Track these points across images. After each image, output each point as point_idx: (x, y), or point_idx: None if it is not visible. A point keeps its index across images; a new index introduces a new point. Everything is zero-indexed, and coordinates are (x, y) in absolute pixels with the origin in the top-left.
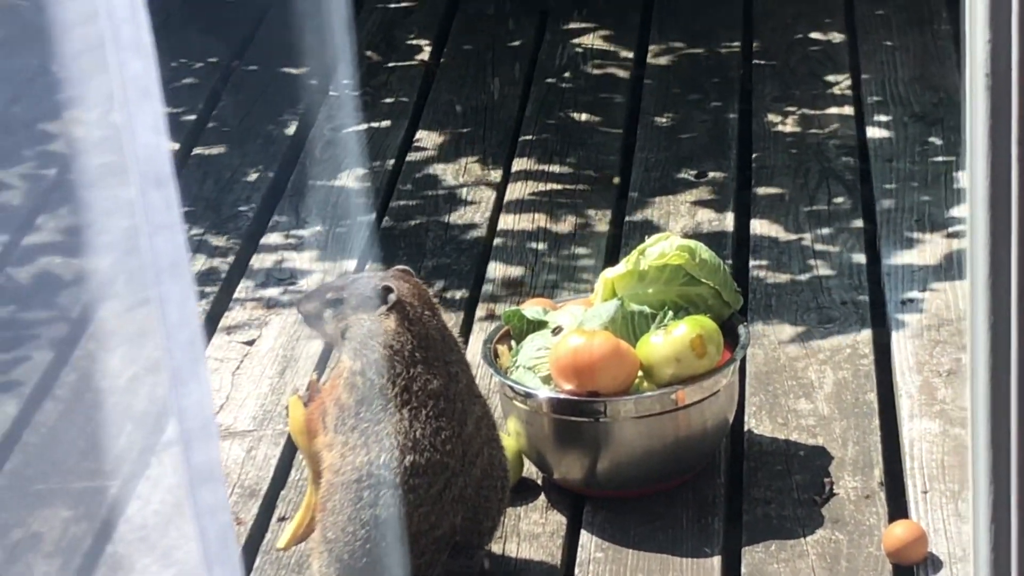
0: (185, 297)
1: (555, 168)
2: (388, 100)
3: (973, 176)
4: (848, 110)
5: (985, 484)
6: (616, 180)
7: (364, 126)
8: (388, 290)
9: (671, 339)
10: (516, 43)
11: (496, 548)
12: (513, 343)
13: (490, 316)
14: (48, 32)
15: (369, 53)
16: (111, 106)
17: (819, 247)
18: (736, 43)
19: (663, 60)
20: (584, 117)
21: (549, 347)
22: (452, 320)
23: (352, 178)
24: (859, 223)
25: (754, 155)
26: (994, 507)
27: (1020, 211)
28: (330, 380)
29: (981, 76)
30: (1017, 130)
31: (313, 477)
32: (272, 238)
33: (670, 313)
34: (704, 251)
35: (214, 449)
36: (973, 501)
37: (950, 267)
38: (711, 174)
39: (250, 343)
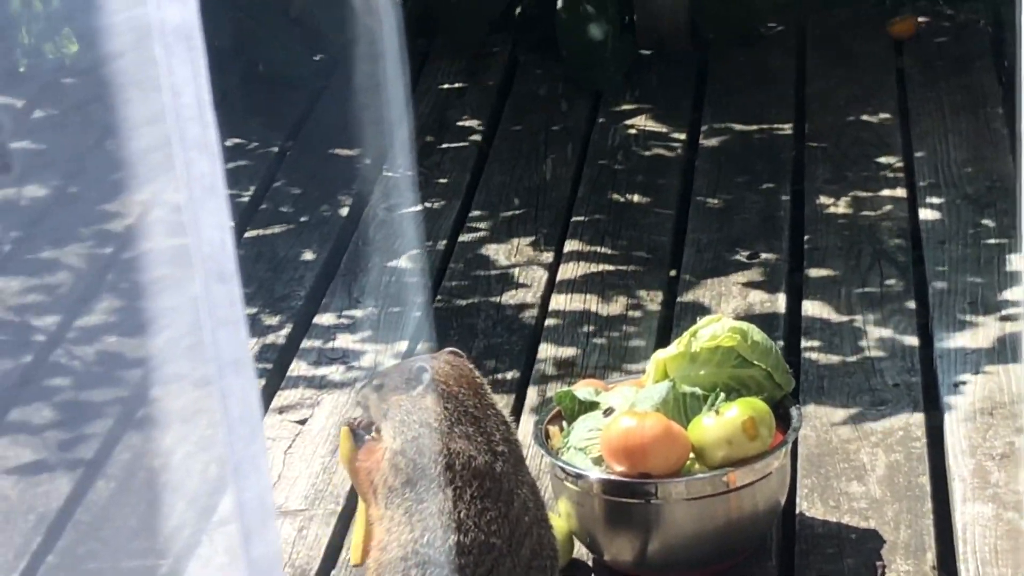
0: (247, 391)
1: (607, 249)
2: (441, 180)
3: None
4: (900, 192)
5: None
6: (672, 273)
7: (418, 207)
8: (423, 371)
9: (723, 421)
10: (568, 124)
11: None
12: (564, 424)
13: (542, 397)
14: (116, 130)
15: (423, 134)
16: (177, 202)
17: (871, 329)
18: (788, 124)
19: (715, 141)
20: (636, 198)
21: (600, 428)
22: (503, 401)
23: (405, 259)
24: (911, 305)
25: (806, 237)
26: None
27: None
28: (366, 448)
29: None
30: None
31: (363, 498)
32: (325, 318)
33: (722, 395)
34: (756, 333)
35: (274, 541)
36: None
37: (1003, 350)
38: (763, 255)
39: (302, 422)
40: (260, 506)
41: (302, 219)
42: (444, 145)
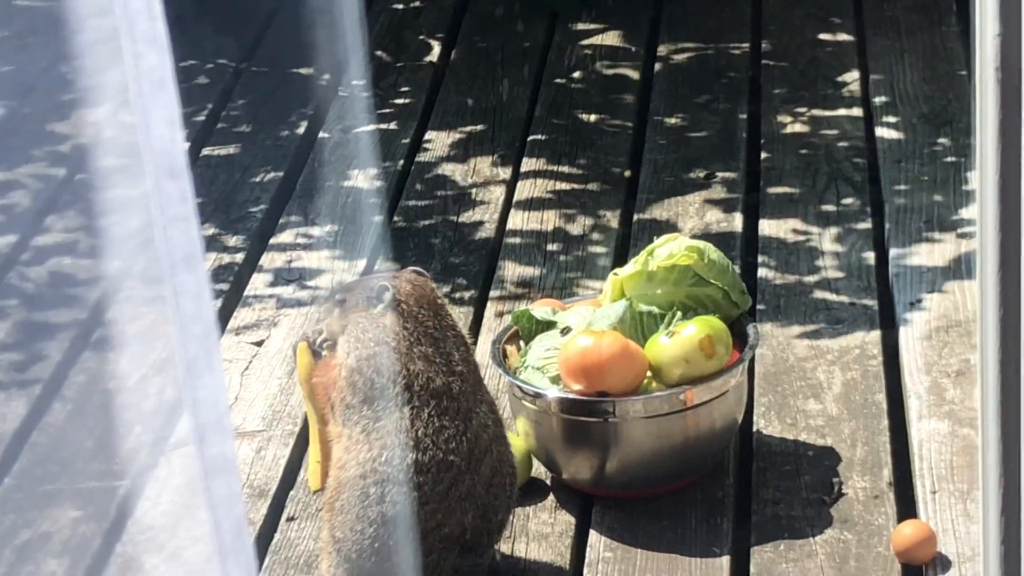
0: (200, 289)
1: (564, 168)
2: (397, 100)
3: (983, 172)
4: (857, 111)
5: (995, 483)
6: (627, 173)
7: (374, 126)
8: (385, 289)
9: (680, 339)
10: (525, 44)
11: (505, 548)
12: (522, 343)
13: (499, 316)
14: (63, 25)
15: (378, 53)
16: (125, 98)
17: (828, 248)
18: (745, 44)
19: (672, 61)
20: (593, 117)
21: (558, 347)
22: (461, 320)
23: (362, 178)
24: (868, 224)
25: (763, 156)
26: (1004, 506)
27: None
28: (322, 363)
29: (991, 71)
30: None
31: (317, 419)
32: (282, 238)
33: (679, 314)
34: (713, 252)
35: (228, 442)
36: (983, 500)
37: (959, 268)
38: (720, 175)
39: (259, 343)
40: (214, 404)
41: (258, 139)
42: (400, 65)
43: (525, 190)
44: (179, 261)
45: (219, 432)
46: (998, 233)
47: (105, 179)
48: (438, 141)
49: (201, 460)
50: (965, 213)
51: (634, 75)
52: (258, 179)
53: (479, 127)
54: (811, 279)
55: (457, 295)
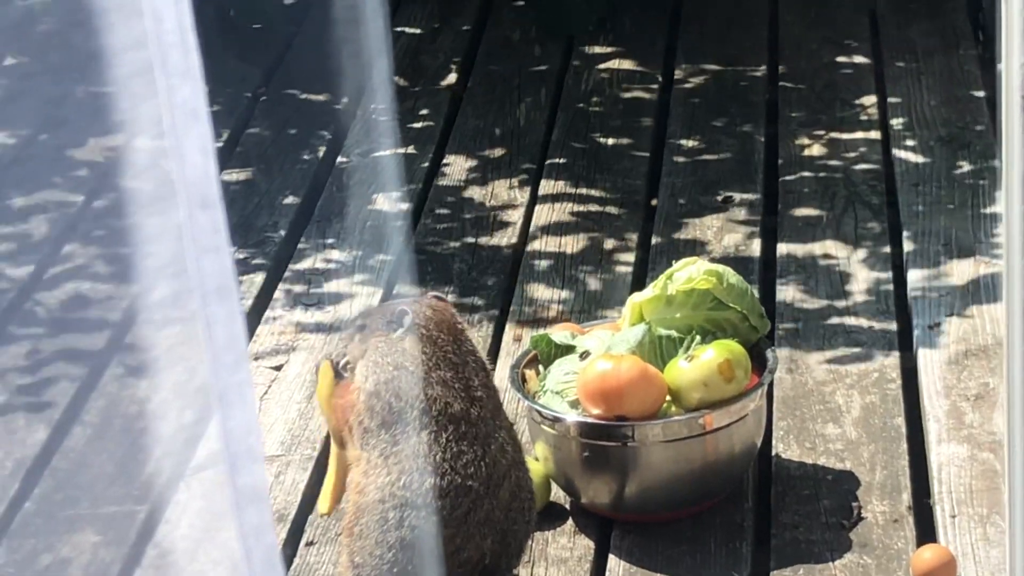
0: (232, 319)
1: (582, 192)
2: (415, 124)
3: (1009, 198)
4: (875, 134)
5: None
6: (654, 202)
7: (393, 151)
8: (404, 313)
9: (699, 364)
10: (543, 68)
11: (524, 572)
12: (541, 367)
13: (518, 340)
14: (97, 58)
15: (396, 78)
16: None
17: (846, 271)
18: (762, 67)
19: (689, 84)
20: (611, 141)
21: (577, 371)
22: (480, 344)
23: (381, 203)
24: (886, 247)
25: (781, 179)
26: None
27: None
28: (342, 385)
29: (1016, 98)
30: None
31: (336, 442)
32: (301, 263)
33: (698, 338)
34: (732, 276)
35: (259, 470)
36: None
37: (977, 291)
38: (738, 198)
39: (278, 368)
40: (246, 435)
41: (277, 164)
42: (417, 89)
43: (543, 214)
44: (211, 291)
45: (250, 461)
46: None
47: (128, 206)
48: (456, 165)
49: (233, 489)
50: (983, 236)
51: (651, 98)
52: (277, 204)
53: (497, 151)
54: (830, 302)
55: (476, 319)
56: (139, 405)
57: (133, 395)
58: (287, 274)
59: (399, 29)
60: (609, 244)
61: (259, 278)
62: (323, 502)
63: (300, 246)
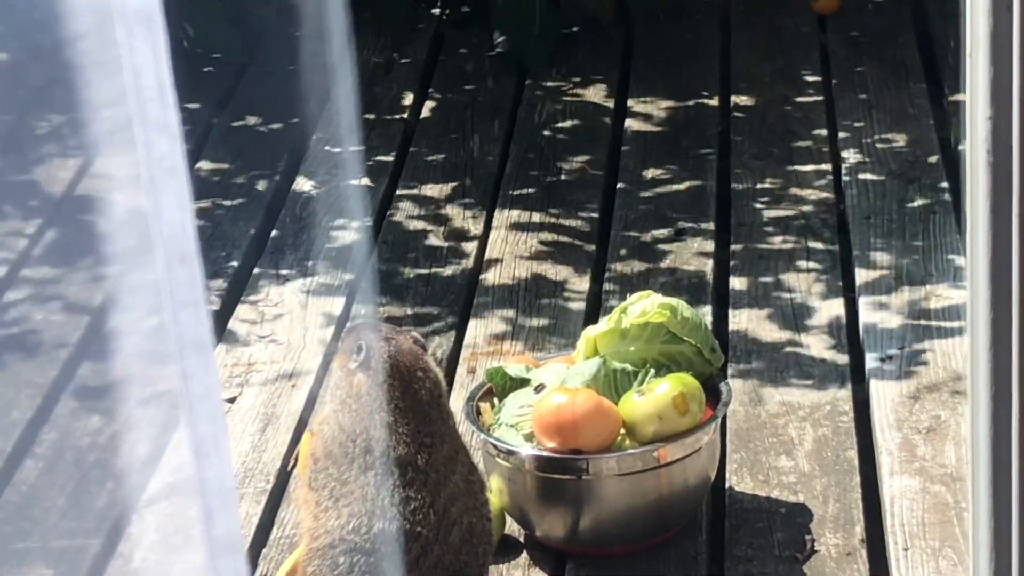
0: (207, 372)
1: (536, 224)
2: (369, 155)
3: (973, 253)
4: (825, 167)
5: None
6: (601, 249)
7: (346, 182)
8: (360, 348)
9: (653, 397)
10: (495, 100)
11: None
12: (496, 400)
13: (472, 372)
14: (77, 113)
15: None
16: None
17: (798, 304)
18: (714, 100)
19: (641, 117)
20: (564, 173)
21: (531, 404)
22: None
23: (335, 234)
24: (838, 280)
25: (734, 211)
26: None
27: (1021, 286)
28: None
29: (982, 153)
30: (1018, 206)
31: (302, 518)
32: (253, 296)
33: (652, 371)
34: (686, 309)
35: (235, 521)
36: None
37: (929, 325)
38: (690, 230)
39: (231, 400)
40: (221, 485)
41: (230, 196)
42: (371, 119)
43: (497, 246)
44: (188, 345)
45: (226, 512)
46: (990, 313)
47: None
48: (410, 196)
49: (208, 540)
50: (934, 269)
51: (604, 130)
52: (231, 235)
53: (451, 183)
54: (782, 335)
55: (430, 351)
56: (91, 437)
57: (85, 427)
58: (240, 306)
59: (352, 60)
60: (563, 276)
61: (213, 309)
62: (283, 569)
63: (254, 278)
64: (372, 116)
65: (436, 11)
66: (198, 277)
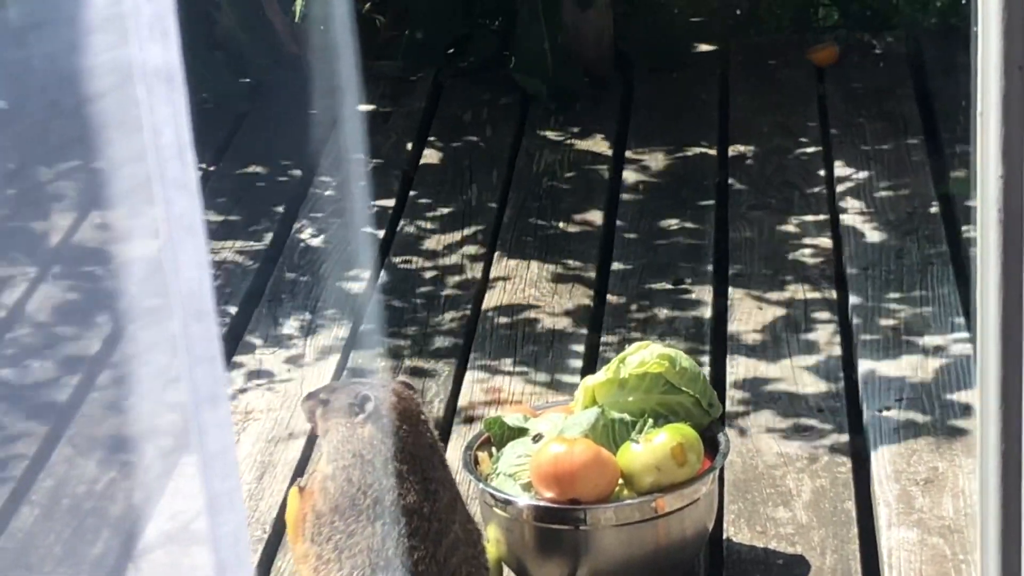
0: (223, 428)
1: (534, 273)
2: (368, 204)
3: (984, 312)
4: (823, 218)
5: None
6: (599, 299)
7: (345, 230)
8: (367, 399)
9: (651, 447)
10: (493, 150)
11: None
12: (494, 450)
13: (469, 422)
14: (97, 171)
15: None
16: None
17: (796, 355)
18: (712, 150)
19: (639, 167)
20: (562, 222)
21: (530, 454)
22: (432, 426)
23: (332, 281)
24: (835, 331)
25: (731, 262)
26: None
27: None
28: (308, 482)
29: (994, 212)
30: None
31: (300, 571)
32: (249, 345)
33: (650, 421)
34: (684, 359)
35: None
36: None
37: (926, 375)
38: (688, 281)
39: None
40: (235, 541)
41: (227, 244)
42: (370, 167)
43: (495, 295)
44: (204, 400)
45: (239, 569)
46: (1000, 372)
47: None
48: (408, 245)
49: None
50: (932, 321)
51: (603, 180)
52: (227, 281)
53: (449, 232)
54: (780, 386)
55: (428, 399)
56: (87, 485)
57: (81, 474)
58: (238, 352)
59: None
60: (562, 326)
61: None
62: None
63: (252, 326)
64: (372, 164)
65: (433, 60)
66: (214, 333)
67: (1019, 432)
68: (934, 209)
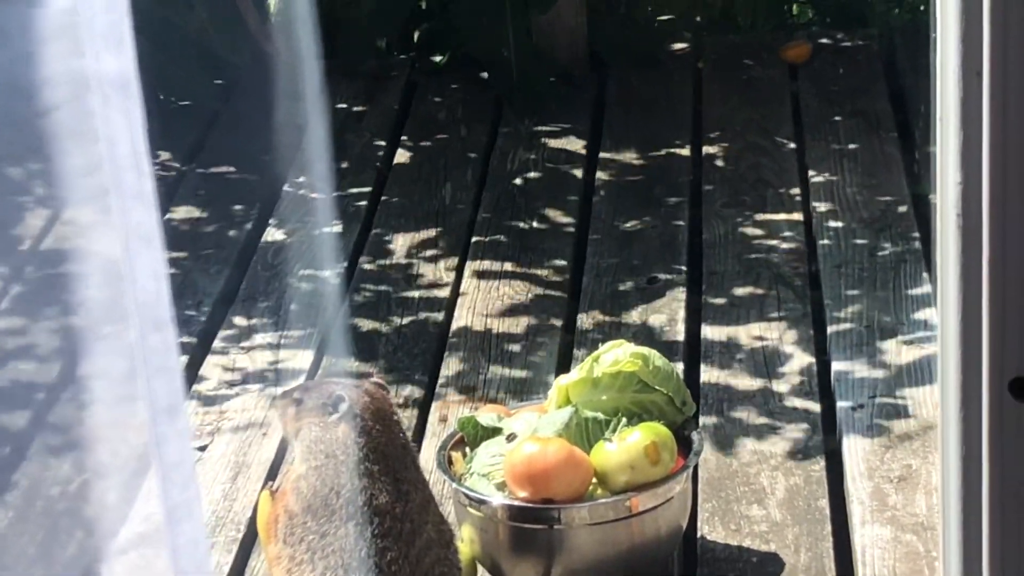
0: (180, 438)
1: (508, 272)
2: (341, 203)
3: (944, 310)
4: (797, 216)
5: None
6: (573, 298)
7: (318, 230)
8: (340, 399)
9: (625, 446)
10: (468, 148)
11: None
12: (467, 450)
13: (444, 421)
14: (53, 180)
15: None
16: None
17: (769, 353)
18: (686, 149)
19: (614, 166)
20: (536, 221)
21: (503, 454)
22: (405, 425)
23: (306, 281)
24: (809, 329)
25: (705, 260)
26: None
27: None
28: (281, 482)
29: (952, 215)
30: (988, 268)
31: (273, 573)
32: (225, 344)
33: (624, 420)
34: (657, 358)
35: None
36: None
37: (899, 373)
38: (662, 279)
39: (202, 449)
40: (194, 552)
41: (202, 243)
42: (344, 167)
43: (469, 294)
44: (162, 411)
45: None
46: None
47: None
48: (381, 244)
49: None
50: (905, 318)
51: (576, 179)
52: (202, 283)
53: (423, 230)
54: (754, 384)
55: (401, 399)
56: (61, 486)
57: (55, 476)
58: (212, 353)
59: (325, 107)
60: (535, 325)
61: (183, 358)
62: None
63: (225, 326)
64: (345, 164)
65: (408, 58)
66: (172, 344)
67: (979, 433)
68: (906, 207)
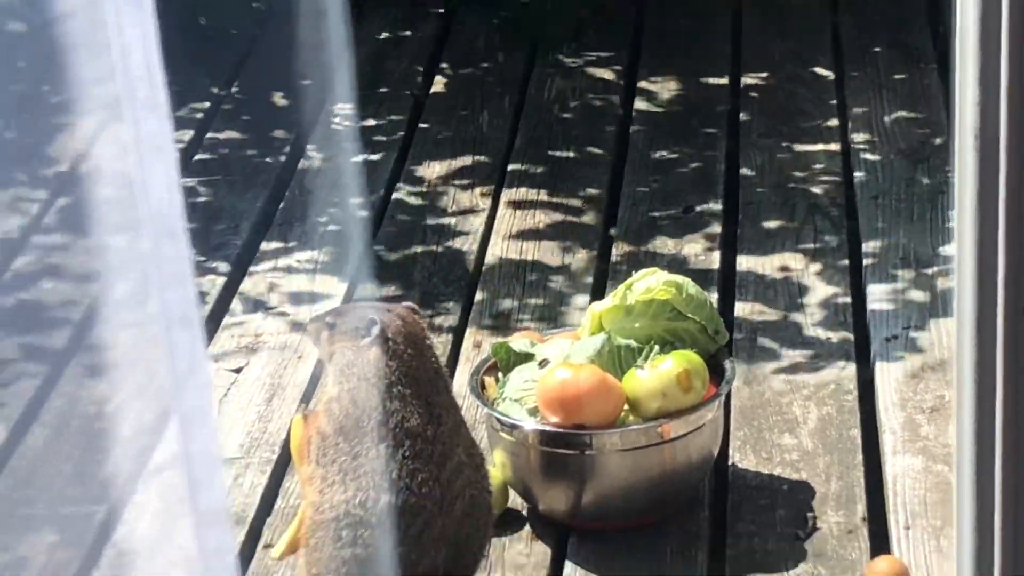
0: (195, 347)
1: (544, 200)
2: (378, 131)
3: (961, 237)
4: (834, 147)
5: (970, 523)
6: (613, 232)
7: (355, 157)
8: (373, 323)
9: (657, 373)
10: (505, 76)
11: None
12: (500, 375)
13: (477, 347)
14: (66, 90)
15: (359, 84)
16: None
17: (805, 283)
18: (724, 79)
19: (652, 94)
20: (573, 150)
21: (536, 380)
22: (440, 350)
23: (342, 207)
24: (845, 260)
25: (741, 190)
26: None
27: (1007, 272)
28: (314, 404)
29: (970, 138)
30: (1005, 192)
31: (306, 493)
32: (261, 267)
33: (656, 348)
34: (691, 286)
35: (221, 494)
36: (957, 539)
37: (935, 305)
38: (698, 209)
39: (238, 371)
40: (206, 458)
41: (239, 168)
42: (381, 94)
43: (505, 221)
44: (175, 320)
45: (212, 484)
46: (976, 297)
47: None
48: (418, 171)
49: (195, 512)
50: (940, 250)
51: (614, 108)
52: (239, 207)
53: (459, 158)
54: (788, 314)
55: (436, 325)
56: (97, 406)
57: (91, 395)
58: (248, 277)
59: (363, 35)
60: (570, 253)
61: (220, 281)
62: (278, 548)
63: (261, 250)
64: (383, 90)
65: None
66: (185, 253)
67: (994, 357)
68: (944, 138)
